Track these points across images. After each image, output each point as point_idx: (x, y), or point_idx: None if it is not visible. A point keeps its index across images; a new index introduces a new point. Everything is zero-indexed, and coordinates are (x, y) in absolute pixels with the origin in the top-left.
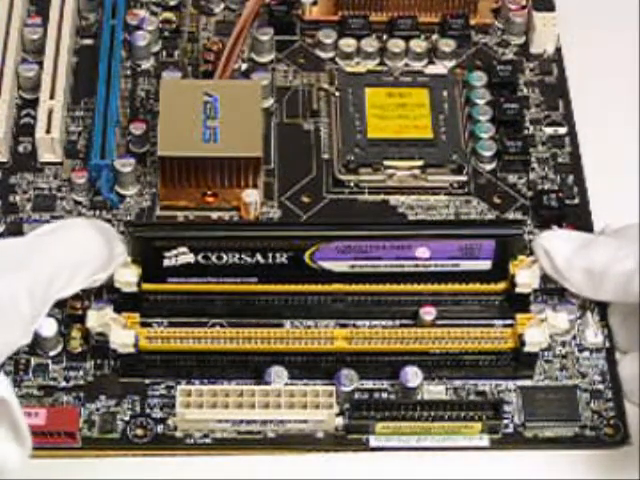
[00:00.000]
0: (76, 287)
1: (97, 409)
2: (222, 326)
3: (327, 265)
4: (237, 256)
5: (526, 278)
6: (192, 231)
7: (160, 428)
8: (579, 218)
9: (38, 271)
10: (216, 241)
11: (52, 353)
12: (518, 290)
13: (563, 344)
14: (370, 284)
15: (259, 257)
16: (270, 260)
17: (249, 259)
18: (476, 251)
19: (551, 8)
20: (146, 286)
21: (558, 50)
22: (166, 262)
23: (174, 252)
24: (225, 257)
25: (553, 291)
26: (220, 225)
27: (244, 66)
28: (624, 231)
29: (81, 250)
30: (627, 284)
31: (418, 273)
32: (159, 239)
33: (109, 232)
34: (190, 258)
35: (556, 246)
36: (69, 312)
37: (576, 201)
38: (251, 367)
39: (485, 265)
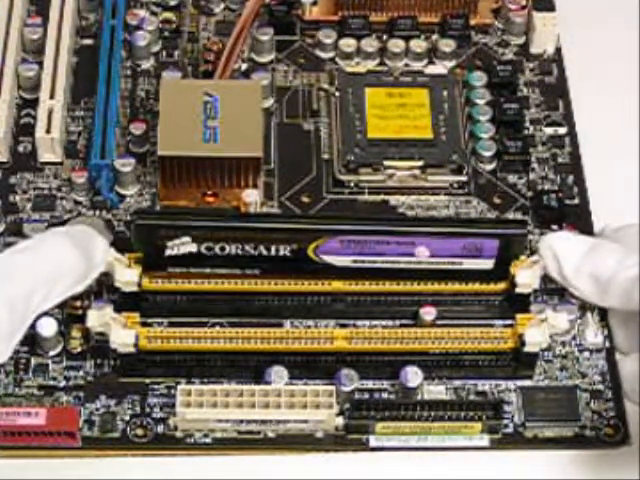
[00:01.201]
0: (55, 300)
1: (97, 409)
2: (222, 326)
3: (330, 259)
4: (240, 247)
5: (526, 278)
6: (196, 221)
7: (160, 428)
8: (579, 218)
9: (16, 288)
10: (220, 232)
11: (52, 353)
12: (518, 290)
13: (563, 344)
14: (370, 283)
15: (262, 249)
16: (273, 253)
17: (252, 251)
18: (479, 250)
19: (551, 8)
20: (146, 286)
21: (558, 50)
22: (168, 252)
23: (177, 242)
24: (228, 248)
25: (553, 291)
26: (225, 216)
27: (244, 66)
28: (625, 231)
29: (57, 265)
30: (631, 292)
31: (420, 270)
32: (162, 227)
33: (88, 240)
34: (193, 248)
35: (565, 251)
36: (69, 312)
37: (576, 201)
38: (251, 367)
39: (487, 264)
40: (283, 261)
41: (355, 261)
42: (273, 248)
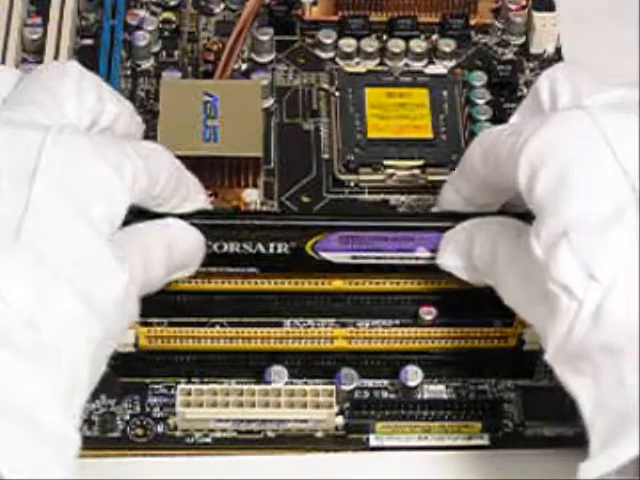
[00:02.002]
0: None
1: (97, 409)
2: (222, 326)
3: (329, 256)
4: (238, 246)
5: None
6: (194, 219)
7: (160, 428)
8: None
9: None
10: (217, 230)
11: None
12: None
13: None
14: (370, 283)
15: (260, 247)
16: (271, 250)
17: (250, 249)
18: None
19: (551, 8)
20: None
21: (558, 50)
22: None
23: None
24: (226, 246)
25: None
26: (222, 214)
27: (244, 66)
28: None
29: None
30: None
31: (419, 266)
32: None
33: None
34: None
35: None
36: None
37: None
38: (251, 367)
39: None
40: (282, 259)
41: (354, 257)
42: (271, 246)
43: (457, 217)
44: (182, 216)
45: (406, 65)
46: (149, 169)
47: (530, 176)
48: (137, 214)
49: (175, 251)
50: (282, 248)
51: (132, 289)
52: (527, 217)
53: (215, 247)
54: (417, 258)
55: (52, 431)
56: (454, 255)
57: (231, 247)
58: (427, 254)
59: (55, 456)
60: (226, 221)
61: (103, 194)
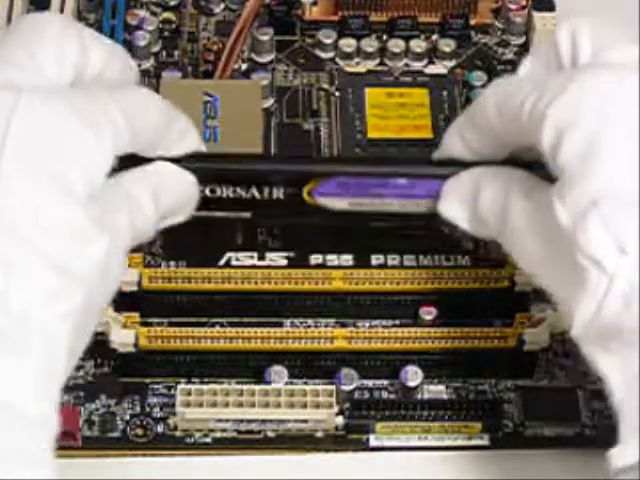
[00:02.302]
0: None
1: (97, 409)
2: (222, 326)
3: (326, 202)
4: (231, 190)
5: (526, 277)
6: (187, 163)
7: (160, 428)
8: None
9: None
10: (210, 173)
11: None
12: (518, 289)
13: (563, 343)
14: (370, 283)
15: (255, 192)
16: (266, 195)
17: (244, 193)
18: None
19: (551, 8)
20: (146, 285)
21: None
22: None
23: None
24: (219, 191)
25: None
26: (215, 156)
27: (244, 66)
28: None
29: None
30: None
31: (418, 215)
32: None
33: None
34: None
35: None
36: None
37: None
38: (251, 367)
39: None
40: (277, 204)
41: (352, 203)
42: (266, 190)
43: (462, 164)
44: (173, 160)
45: (406, 65)
46: (132, 124)
47: (556, 138)
48: (123, 159)
49: (164, 197)
50: (278, 193)
51: (115, 251)
52: (534, 166)
53: (207, 191)
54: (417, 205)
55: (25, 413)
56: (457, 204)
57: (224, 191)
58: (428, 202)
59: (29, 437)
60: (219, 164)
61: (80, 158)
